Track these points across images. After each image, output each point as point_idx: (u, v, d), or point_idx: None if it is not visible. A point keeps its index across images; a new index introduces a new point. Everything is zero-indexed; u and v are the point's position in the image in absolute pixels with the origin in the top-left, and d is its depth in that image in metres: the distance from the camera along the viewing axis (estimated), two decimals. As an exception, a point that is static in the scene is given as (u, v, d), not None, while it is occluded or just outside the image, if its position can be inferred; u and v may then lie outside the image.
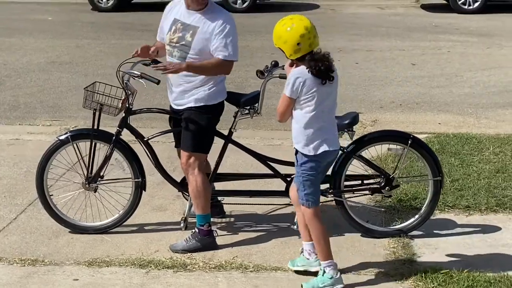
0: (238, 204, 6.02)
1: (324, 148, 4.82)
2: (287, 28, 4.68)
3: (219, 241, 5.63)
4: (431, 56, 12.80)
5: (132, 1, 19.14)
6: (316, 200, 4.91)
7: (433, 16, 17.24)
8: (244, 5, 17.84)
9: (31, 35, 14.93)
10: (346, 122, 5.40)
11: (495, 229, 5.88)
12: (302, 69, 4.72)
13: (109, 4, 18.27)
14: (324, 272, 4.87)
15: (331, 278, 4.85)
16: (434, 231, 5.82)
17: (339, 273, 4.90)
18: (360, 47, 13.57)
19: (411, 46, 13.56)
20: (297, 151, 4.91)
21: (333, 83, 4.80)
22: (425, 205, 5.69)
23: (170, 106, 5.64)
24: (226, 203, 6.05)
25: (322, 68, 4.67)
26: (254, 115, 5.62)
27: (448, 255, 5.45)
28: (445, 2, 18.05)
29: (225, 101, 5.53)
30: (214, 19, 5.28)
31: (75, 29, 15.77)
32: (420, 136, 6.34)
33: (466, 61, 12.38)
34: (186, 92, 5.39)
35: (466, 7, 17.45)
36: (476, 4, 17.42)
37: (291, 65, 4.88)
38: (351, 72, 11.47)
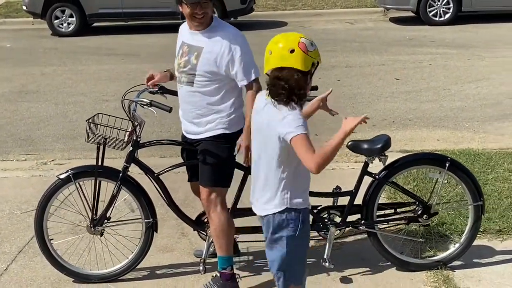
0: (254, 241, 5.49)
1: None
2: None
3: (242, 284, 5.08)
4: (413, 70, 12.47)
5: (93, 25, 18.55)
6: None
7: (404, 29, 16.98)
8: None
9: (-10, 63, 14.22)
10: (378, 146, 4.92)
11: (536, 254, 5.46)
12: (260, 93, 4.02)
13: (70, 29, 17.66)
14: None
15: None
16: (473, 260, 5.36)
17: None
18: (338, 63, 13.16)
19: (391, 61, 13.22)
20: None
21: (270, 118, 3.69)
22: (465, 233, 5.24)
23: (183, 136, 5.08)
24: (241, 241, 5.50)
25: (282, 88, 3.64)
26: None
27: (493, 287, 4.99)
28: (414, 14, 17.85)
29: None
30: (219, 39, 4.74)
31: (37, 55, 15.11)
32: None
33: (450, 74, 12.07)
34: (201, 120, 4.84)
35: (437, 19, 17.26)
36: (447, 16, 17.25)
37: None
38: (335, 90, 10.98)
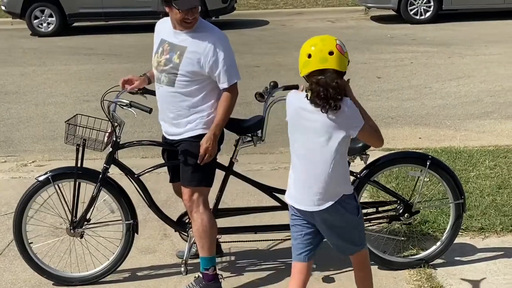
0: (236, 241, 5.46)
1: (288, 200, 4.07)
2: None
3: (225, 285, 5.04)
4: (395, 68, 12.49)
5: (73, 25, 18.44)
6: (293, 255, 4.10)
7: (385, 28, 17.03)
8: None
9: (-31, 64, 14.11)
10: (360, 145, 4.90)
11: (518, 251, 5.46)
12: (295, 94, 3.97)
13: (49, 29, 17.57)
14: None
15: None
16: (455, 258, 5.35)
17: None
18: (320, 62, 13.10)
19: (372, 59, 13.23)
20: None
21: (325, 123, 3.79)
22: (447, 231, 5.23)
23: (163, 137, 5.03)
24: (224, 241, 5.47)
25: (321, 94, 3.70)
26: (258, 142, 5.07)
27: (476, 285, 4.99)
28: (395, 13, 17.90)
29: (224, 129, 4.93)
30: (204, 39, 4.70)
31: (16, 56, 15.00)
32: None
33: (431, 72, 12.11)
34: (181, 121, 4.80)
35: (418, 17, 17.34)
36: (428, 14, 17.32)
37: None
38: (316, 89, 11.00)
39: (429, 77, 11.74)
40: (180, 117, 4.80)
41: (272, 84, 5.23)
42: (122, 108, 4.85)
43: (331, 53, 3.73)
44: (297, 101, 3.88)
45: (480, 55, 13.26)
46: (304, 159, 3.90)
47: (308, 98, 3.77)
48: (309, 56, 3.77)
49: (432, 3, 17.30)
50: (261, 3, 21.27)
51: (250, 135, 5.05)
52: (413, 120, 9.39)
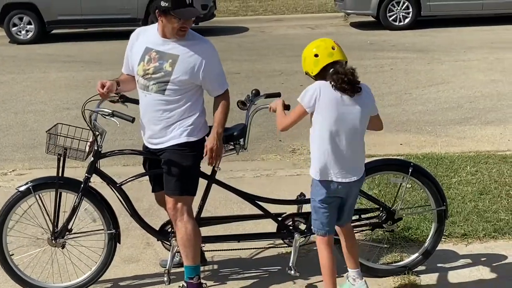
0: (219, 250, 5.43)
1: (329, 176, 4.47)
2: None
3: (208, 294, 5.03)
4: (375, 74, 12.53)
5: (52, 32, 18.34)
6: (321, 229, 4.62)
7: (365, 34, 17.09)
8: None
9: None
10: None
11: (501, 258, 5.47)
12: (324, 82, 4.39)
13: (28, 36, 17.48)
14: None
15: None
16: (438, 265, 5.36)
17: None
18: (300, 68, 12.88)
19: (352, 65, 13.18)
20: None
21: (356, 105, 4.40)
22: (429, 238, 5.24)
23: (144, 146, 5.00)
24: (207, 250, 5.44)
25: (345, 79, 4.31)
26: (241, 150, 5.06)
27: (460, 291, 5.01)
28: (374, 19, 17.98)
29: (206, 137, 4.91)
30: (195, 47, 4.71)
31: (-5, 64, 14.87)
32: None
33: (411, 78, 12.17)
34: (164, 129, 4.78)
35: (397, 23, 17.43)
36: (407, 20, 17.43)
37: (285, 107, 4.79)
38: (297, 95, 10.99)
39: (409, 83, 11.79)
40: (166, 124, 4.77)
41: (254, 92, 5.24)
42: (105, 117, 4.80)
43: (333, 48, 4.42)
44: (329, 91, 4.35)
45: (459, 61, 13.35)
46: (348, 139, 4.42)
47: (335, 87, 4.31)
48: (316, 55, 4.41)
49: (410, 9, 17.41)
50: (241, 10, 21.28)
51: (232, 143, 5.04)
52: (394, 127, 9.41)
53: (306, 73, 4.58)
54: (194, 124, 4.77)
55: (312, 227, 4.74)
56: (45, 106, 11.03)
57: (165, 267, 5.10)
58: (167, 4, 4.58)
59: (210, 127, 4.88)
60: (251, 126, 5.11)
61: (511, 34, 16.38)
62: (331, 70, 4.34)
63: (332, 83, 4.33)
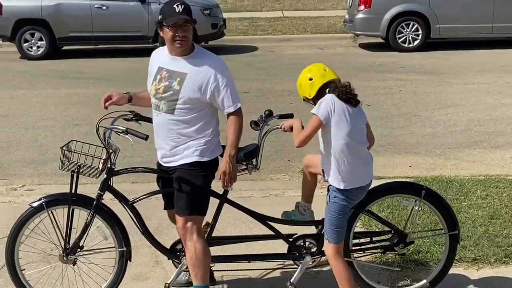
0: (228, 270, 5.42)
1: (351, 184, 4.70)
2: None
3: (218, 314, 5.02)
4: (384, 96, 12.54)
5: (62, 48, 18.43)
6: (338, 237, 4.81)
7: (374, 55, 17.12)
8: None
9: (-42, 87, 14.02)
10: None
11: (512, 283, 5.45)
12: (333, 95, 4.61)
13: (39, 52, 17.56)
14: None
15: None
16: (449, 290, 5.34)
17: None
18: (309, 89, 13.14)
19: (361, 86, 13.22)
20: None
21: (359, 114, 4.69)
22: (441, 262, 5.21)
23: (158, 163, 5.01)
24: (216, 270, 5.43)
25: (347, 91, 4.60)
26: (253, 170, 5.07)
27: (470, 316, 4.99)
28: (383, 41, 18.02)
29: (219, 157, 4.92)
30: (203, 65, 4.70)
31: (6, 79, 14.96)
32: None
33: (420, 100, 12.17)
34: (176, 149, 4.79)
35: (406, 45, 17.46)
36: (416, 42, 17.46)
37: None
38: (306, 115, 11.00)
39: (418, 105, 11.80)
40: (178, 144, 4.78)
41: (267, 112, 5.25)
42: (119, 135, 4.82)
43: (325, 69, 4.75)
44: (338, 102, 4.59)
45: (469, 84, 13.36)
46: (360, 146, 4.70)
47: (341, 99, 4.58)
48: (311, 79, 4.70)
49: (420, 31, 17.45)
50: (250, 29, 21.37)
51: (245, 163, 5.04)
52: (403, 149, 9.41)
53: (304, 99, 4.78)
54: (206, 144, 4.78)
55: (327, 237, 4.79)
56: (56, 122, 11.07)
57: (174, 286, 5.08)
58: (160, 17, 4.65)
59: (223, 146, 4.89)
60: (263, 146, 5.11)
61: (521, 57, 16.41)
62: (327, 89, 4.64)
63: (339, 94, 4.58)
